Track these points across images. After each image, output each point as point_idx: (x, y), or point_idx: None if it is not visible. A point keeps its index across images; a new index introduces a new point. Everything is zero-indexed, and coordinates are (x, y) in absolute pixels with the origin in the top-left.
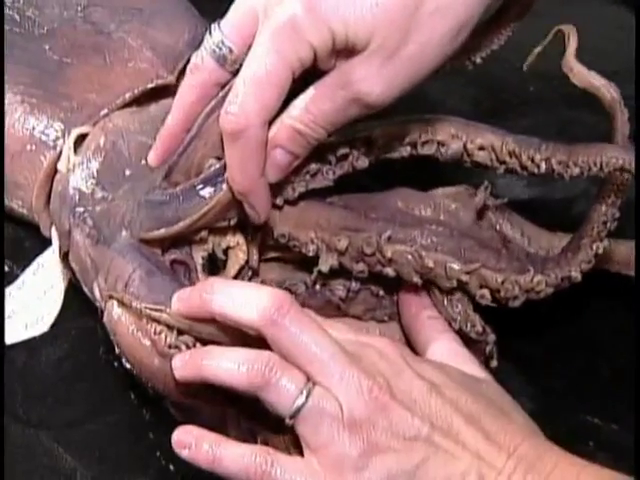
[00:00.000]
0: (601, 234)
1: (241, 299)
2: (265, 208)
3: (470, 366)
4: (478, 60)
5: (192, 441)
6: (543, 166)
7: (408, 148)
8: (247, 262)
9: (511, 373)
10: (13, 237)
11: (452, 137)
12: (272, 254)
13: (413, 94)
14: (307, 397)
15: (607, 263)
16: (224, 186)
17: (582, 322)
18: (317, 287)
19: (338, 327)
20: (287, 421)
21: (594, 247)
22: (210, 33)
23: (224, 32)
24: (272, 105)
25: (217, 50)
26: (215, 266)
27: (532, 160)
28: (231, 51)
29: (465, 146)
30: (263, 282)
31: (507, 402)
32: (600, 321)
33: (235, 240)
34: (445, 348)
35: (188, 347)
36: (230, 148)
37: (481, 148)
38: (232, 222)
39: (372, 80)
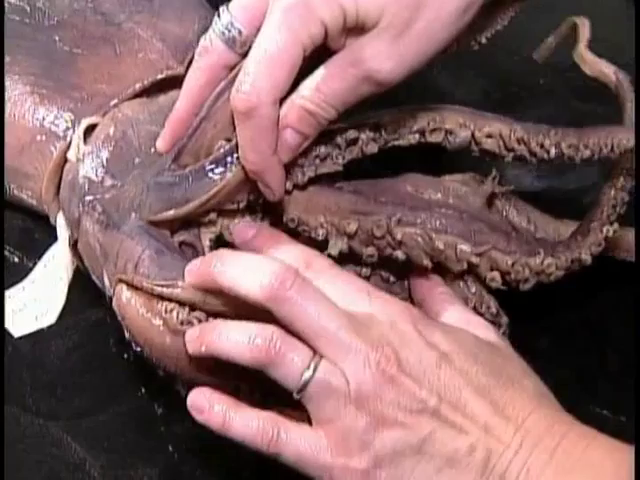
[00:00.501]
0: (611, 217)
1: (247, 273)
2: (280, 186)
3: (483, 331)
4: (483, 40)
5: (205, 404)
6: (553, 151)
7: (416, 136)
8: None
9: None
10: (23, 228)
11: (460, 125)
12: None
13: (423, 85)
14: (314, 371)
15: (614, 251)
16: (234, 167)
17: (591, 312)
18: None
19: (355, 285)
20: (295, 395)
21: (604, 230)
22: (219, 15)
23: (233, 14)
24: (283, 83)
25: (226, 32)
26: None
27: (541, 146)
28: (240, 33)
29: (473, 134)
30: None
31: (520, 369)
32: (609, 312)
33: None
34: (457, 316)
35: (201, 322)
36: (242, 127)
37: (489, 136)
38: (241, 205)
39: (382, 57)
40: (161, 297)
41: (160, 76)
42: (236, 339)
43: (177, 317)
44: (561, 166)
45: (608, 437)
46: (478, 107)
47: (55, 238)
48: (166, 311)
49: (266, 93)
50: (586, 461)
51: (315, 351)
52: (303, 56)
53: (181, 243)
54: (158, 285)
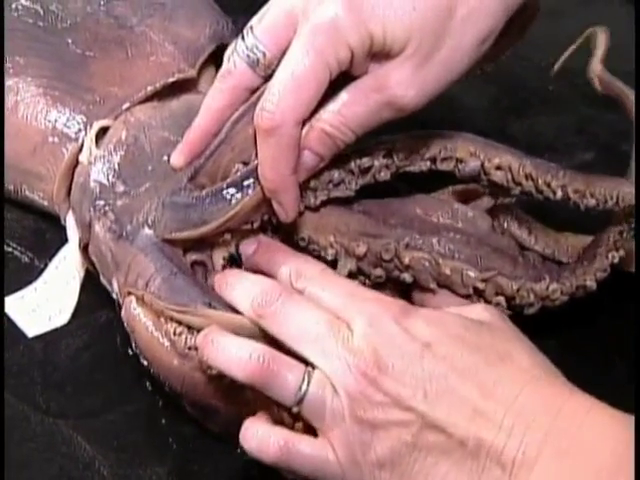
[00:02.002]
0: (617, 244)
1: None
2: (293, 207)
3: (477, 311)
4: (489, 69)
5: None
6: (559, 193)
7: (428, 163)
8: None
9: None
10: (34, 229)
11: (471, 155)
12: None
13: None
14: (308, 385)
15: (623, 263)
16: (250, 191)
17: (597, 319)
18: None
19: (341, 289)
20: (293, 409)
21: (610, 256)
22: (243, 38)
23: (257, 36)
24: (308, 104)
25: (251, 55)
26: (236, 266)
27: (548, 185)
28: (264, 55)
29: (483, 165)
30: None
31: (513, 344)
32: (615, 318)
33: None
34: (452, 300)
35: None
36: (263, 145)
37: (498, 168)
38: (255, 225)
39: (407, 84)
40: (170, 318)
41: (171, 79)
42: (230, 357)
43: (185, 342)
44: None
45: (605, 406)
46: (487, 113)
47: (67, 239)
48: (175, 333)
49: (290, 113)
50: (583, 440)
51: (307, 364)
52: (329, 79)
53: (193, 263)
54: (169, 308)
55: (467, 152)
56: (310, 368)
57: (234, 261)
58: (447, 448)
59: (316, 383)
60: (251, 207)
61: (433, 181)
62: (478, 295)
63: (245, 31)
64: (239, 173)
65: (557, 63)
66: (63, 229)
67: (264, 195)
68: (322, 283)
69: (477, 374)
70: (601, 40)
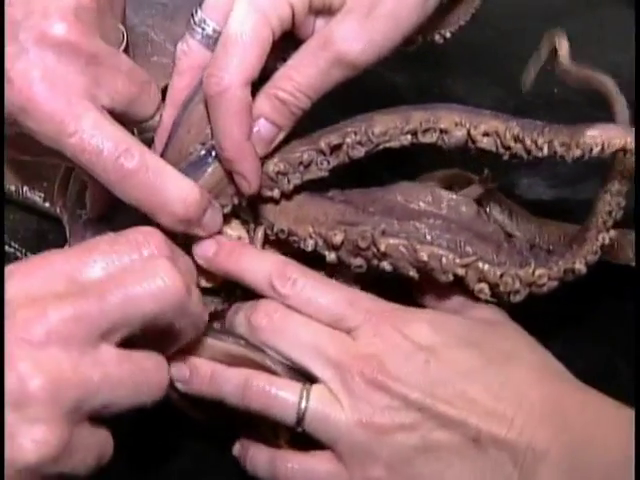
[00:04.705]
0: (607, 224)
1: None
2: (255, 176)
3: (481, 310)
4: (448, 35)
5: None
6: (546, 149)
7: (408, 137)
8: None
9: None
10: (37, 230)
11: (455, 125)
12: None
13: (437, 92)
14: (307, 401)
15: (614, 256)
16: (209, 168)
17: (600, 319)
18: None
19: (335, 292)
20: (297, 429)
21: (600, 238)
22: (192, 16)
23: (205, 12)
24: (253, 64)
25: (200, 31)
26: None
27: (536, 144)
28: (214, 30)
29: (469, 133)
30: None
31: (520, 344)
32: (619, 318)
33: (236, 234)
34: (454, 301)
35: None
36: (214, 113)
37: (485, 134)
38: (226, 209)
39: (352, 38)
40: None
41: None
42: (229, 388)
43: None
44: (572, 176)
45: (613, 402)
46: None
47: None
48: None
49: (236, 74)
50: (592, 435)
51: (305, 382)
52: (272, 40)
53: None
54: None
55: (451, 122)
56: (308, 384)
57: None
58: (459, 447)
59: (316, 398)
60: (214, 185)
61: (419, 169)
62: (460, 282)
63: (193, 10)
64: (195, 154)
65: (527, 78)
66: (65, 230)
67: (226, 172)
68: (317, 288)
69: (485, 375)
70: (560, 40)
